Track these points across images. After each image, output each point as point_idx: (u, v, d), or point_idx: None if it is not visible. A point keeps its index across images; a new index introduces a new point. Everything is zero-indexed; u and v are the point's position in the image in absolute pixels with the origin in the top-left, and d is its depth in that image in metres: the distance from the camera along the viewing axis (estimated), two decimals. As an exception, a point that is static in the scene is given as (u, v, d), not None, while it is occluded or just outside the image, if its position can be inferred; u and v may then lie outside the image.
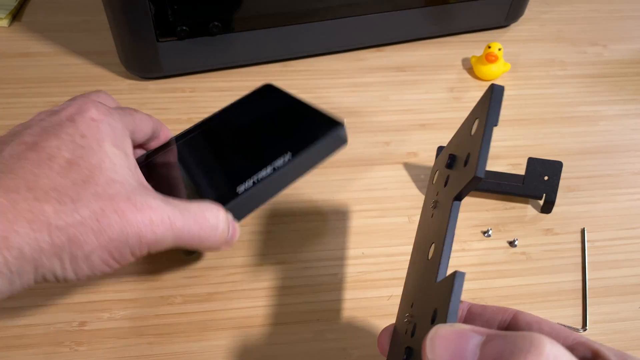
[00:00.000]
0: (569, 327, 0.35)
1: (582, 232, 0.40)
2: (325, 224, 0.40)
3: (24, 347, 0.32)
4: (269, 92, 0.43)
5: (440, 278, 0.21)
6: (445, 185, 0.25)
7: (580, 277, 0.38)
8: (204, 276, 0.36)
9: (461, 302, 0.25)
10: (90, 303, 0.34)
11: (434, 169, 0.29)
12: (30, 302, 0.34)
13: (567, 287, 0.37)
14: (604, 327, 0.35)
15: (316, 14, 0.49)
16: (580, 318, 0.36)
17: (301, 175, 0.38)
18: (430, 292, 0.22)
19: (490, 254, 0.39)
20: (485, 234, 0.40)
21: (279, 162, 0.35)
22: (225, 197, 0.34)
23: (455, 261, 0.38)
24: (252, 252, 0.38)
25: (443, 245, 0.22)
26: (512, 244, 0.39)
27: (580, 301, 0.36)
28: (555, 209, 0.41)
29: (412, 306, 0.24)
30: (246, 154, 0.37)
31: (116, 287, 0.35)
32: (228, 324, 0.34)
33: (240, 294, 0.35)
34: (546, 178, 0.40)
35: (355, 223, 0.40)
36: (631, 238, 0.40)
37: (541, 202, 0.42)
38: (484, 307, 0.25)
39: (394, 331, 0.26)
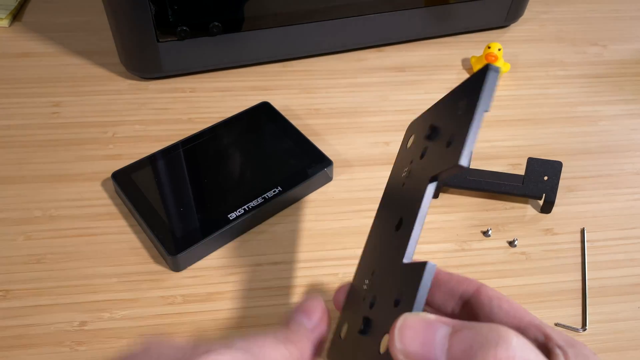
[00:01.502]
0: (568, 327, 0.35)
1: (582, 232, 0.40)
2: (325, 224, 0.40)
3: (24, 347, 0.32)
4: (265, 111, 0.45)
5: (406, 259, 0.21)
6: (421, 158, 0.23)
7: (579, 277, 0.38)
8: (204, 276, 0.36)
9: None
10: (91, 303, 0.34)
11: (409, 133, 0.26)
12: (31, 302, 0.34)
13: (567, 287, 0.37)
14: (603, 327, 0.35)
15: (316, 14, 0.49)
16: (580, 318, 0.36)
17: (288, 205, 0.40)
18: (395, 270, 0.21)
19: (490, 254, 0.39)
20: (485, 234, 0.40)
21: (269, 194, 0.38)
22: (217, 223, 0.36)
23: (455, 261, 0.38)
24: (252, 252, 0.38)
25: (413, 225, 0.21)
26: (511, 244, 0.39)
27: (580, 301, 0.36)
28: (555, 209, 0.41)
29: (372, 274, 0.23)
30: (239, 181, 0.39)
31: (116, 287, 0.35)
32: (228, 323, 0.34)
33: (240, 294, 0.35)
34: (546, 178, 0.40)
35: (355, 223, 0.40)
36: (631, 238, 0.40)
37: (541, 202, 0.42)
38: (451, 275, 0.25)
39: (351, 289, 0.25)
